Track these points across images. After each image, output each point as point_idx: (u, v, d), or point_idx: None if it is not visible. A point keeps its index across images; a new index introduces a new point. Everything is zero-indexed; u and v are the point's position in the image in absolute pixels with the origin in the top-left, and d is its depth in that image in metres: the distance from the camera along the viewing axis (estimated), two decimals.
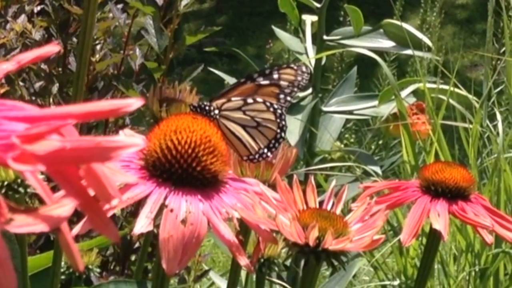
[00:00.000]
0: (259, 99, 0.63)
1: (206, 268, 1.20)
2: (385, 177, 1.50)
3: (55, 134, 0.25)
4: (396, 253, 1.05)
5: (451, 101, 1.12)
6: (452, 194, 0.64)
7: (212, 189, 0.51)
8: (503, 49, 1.59)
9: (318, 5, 1.40)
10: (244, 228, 0.56)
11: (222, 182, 0.53)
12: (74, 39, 1.19)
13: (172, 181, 0.50)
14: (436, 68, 1.41)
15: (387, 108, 1.29)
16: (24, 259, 0.64)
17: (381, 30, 1.36)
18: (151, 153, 0.51)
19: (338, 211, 0.56)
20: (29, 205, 0.79)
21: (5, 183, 0.58)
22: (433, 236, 0.63)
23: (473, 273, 1.03)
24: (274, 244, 0.65)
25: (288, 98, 0.64)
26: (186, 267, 1.16)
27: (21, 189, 0.59)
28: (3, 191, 0.58)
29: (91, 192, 0.26)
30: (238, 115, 0.62)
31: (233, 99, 0.63)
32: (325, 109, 1.42)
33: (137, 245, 1.18)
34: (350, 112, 1.42)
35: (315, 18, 1.42)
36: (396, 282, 1.06)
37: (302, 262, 0.55)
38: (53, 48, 0.28)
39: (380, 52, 1.32)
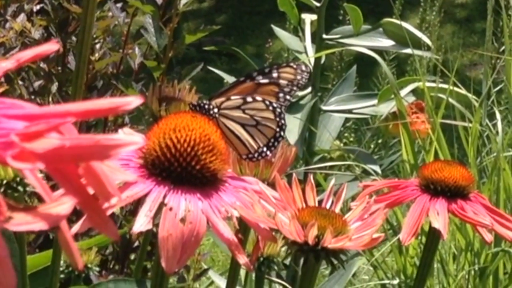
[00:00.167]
0: (259, 98, 0.63)
1: (206, 267, 1.20)
2: (385, 176, 1.50)
3: (54, 132, 0.25)
4: (396, 252, 1.05)
5: (450, 100, 1.12)
6: (452, 193, 0.64)
7: (211, 187, 0.51)
8: (503, 48, 1.59)
9: (318, 4, 1.40)
10: (243, 227, 0.55)
11: (221, 180, 0.53)
12: (74, 38, 1.19)
13: (171, 179, 0.50)
14: (436, 67, 1.41)
15: (387, 107, 1.29)
16: (23, 257, 0.64)
17: (381, 29, 1.36)
18: (150, 151, 0.51)
19: (337, 210, 0.56)
20: (28, 203, 0.79)
21: (4, 181, 0.58)
22: (433, 235, 0.63)
23: (472, 272, 1.03)
24: (274, 242, 0.65)
25: (288, 97, 0.64)
26: (185, 266, 1.16)
27: (20, 188, 0.59)
28: (2, 189, 0.58)
29: (91, 191, 0.26)
30: (238, 113, 0.62)
31: (232, 97, 0.63)
32: (324, 108, 1.42)
33: (136, 244, 1.18)
34: (350, 111, 1.42)
35: (314, 17, 1.42)
36: (396, 281, 1.06)
37: (302, 261, 0.55)
38: (52, 47, 0.28)
39: (379, 51, 1.32)
